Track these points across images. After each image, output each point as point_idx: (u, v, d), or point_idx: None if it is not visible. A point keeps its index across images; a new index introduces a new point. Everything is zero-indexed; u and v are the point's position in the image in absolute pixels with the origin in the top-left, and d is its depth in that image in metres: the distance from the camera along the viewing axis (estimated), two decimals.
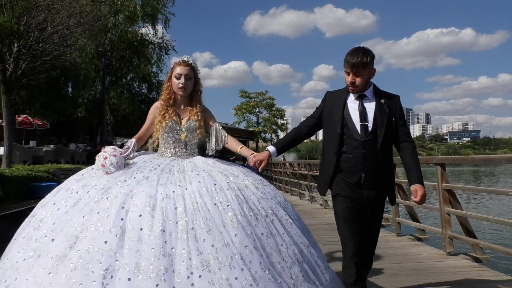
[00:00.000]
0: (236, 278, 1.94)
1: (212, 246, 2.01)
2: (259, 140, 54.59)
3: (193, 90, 2.80)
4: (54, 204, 2.24)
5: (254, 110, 54.77)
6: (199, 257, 1.96)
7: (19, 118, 15.81)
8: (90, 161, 15.55)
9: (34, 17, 8.55)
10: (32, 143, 15.16)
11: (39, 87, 12.51)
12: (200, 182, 2.37)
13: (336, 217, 2.61)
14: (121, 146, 2.65)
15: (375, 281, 3.79)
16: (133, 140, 2.67)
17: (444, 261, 4.73)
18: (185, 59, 2.75)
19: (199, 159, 2.68)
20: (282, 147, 2.81)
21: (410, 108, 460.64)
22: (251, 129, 53.87)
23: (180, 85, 2.70)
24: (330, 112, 2.62)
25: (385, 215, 6.57)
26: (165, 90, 2.80)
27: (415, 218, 6.33)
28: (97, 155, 2.44)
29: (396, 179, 5.37)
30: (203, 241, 2.02)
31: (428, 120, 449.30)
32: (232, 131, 48.80)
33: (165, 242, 1.98)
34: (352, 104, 2.58)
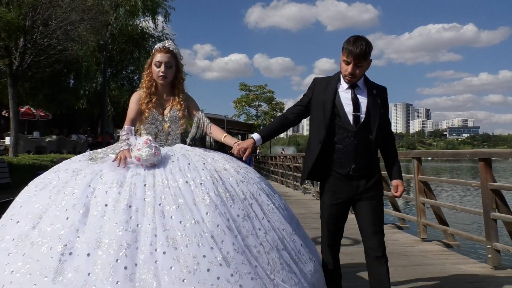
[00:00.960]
0: (204, 256, 1.86)
1: (180, 222, 1.94)
2: None
3: (174, 78, 2.67)
4: (24, 191, 2.22)
5: (254, 103, 55.09)
6: (164, 233, 1.89)
7: (22, 109, 16.17)
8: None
9: (39, 13, 8.97)
10: (36, 134, 15.62)
11: (42, 80, 12.93)
12: (173, 161, 2.31)
13: (321, 210, 2.61)
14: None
15: (351, 261, 4.05)
16: (131, 127, 2.49)
17: (417, 246, 5.11)
18: (166, 45, 2.63)
19: (177, 145, 2.60)
20: (268, 134, 2.72)
21: (410, 104, 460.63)
22: (250, 122, 54.22)
23: (160, 74, 2.57)
24: (320, 100, 2.52)
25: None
26: (145, 77, 2.67)
27: (396, 208, 6.62)
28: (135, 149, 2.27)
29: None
30: (171, 218, 1.95)
31: (428, 116, 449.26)
32: (231, 124, 49.18)
33: (131, 218, 1.93)
34: (344, 93, 2.49)
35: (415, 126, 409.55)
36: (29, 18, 9.08)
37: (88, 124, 25.67)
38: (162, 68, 2.57)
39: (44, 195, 2.09)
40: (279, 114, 56.56)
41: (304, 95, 2.67)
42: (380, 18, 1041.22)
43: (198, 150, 2.50)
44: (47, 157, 9.62)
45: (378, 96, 2.50)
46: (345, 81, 2.48)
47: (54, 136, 16.28)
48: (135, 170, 2.19)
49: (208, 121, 2.77)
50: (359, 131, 2.44)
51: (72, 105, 17.03)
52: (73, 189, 2.06)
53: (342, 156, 2.47)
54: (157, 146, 2.29)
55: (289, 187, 15.02)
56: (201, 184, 2.16)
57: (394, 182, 2.60)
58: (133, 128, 2.47)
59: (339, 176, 2.50)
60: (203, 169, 2.27)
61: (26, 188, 2.24)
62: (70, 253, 1.80)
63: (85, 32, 10.23)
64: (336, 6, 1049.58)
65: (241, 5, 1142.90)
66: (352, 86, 2.47)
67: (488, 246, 4.21)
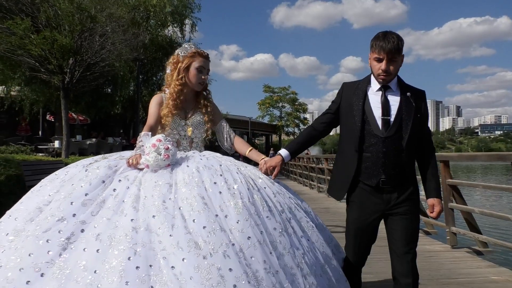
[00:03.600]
0: (230, 270, 1.59)
1: (204, 228, 1.68)
2: (282, 133, 56.15)
3: None
4: (31, 190, 2.03)
5: (277, 105, 56.32)
6: (186, 236, 1.64)
7: None
8: None
9: (87, 37, 10.59)
10: (78, 137, 17.42)
11: (84, 90, 14.67)
12: (201, 159, 2.09)
13: (347, 223, 2.39)
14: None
15: (375, 269, 3.85)
16: (148, 132, 2.21)
17: (446, 254, 4.87)
18: (205, 51, 2.48)
19: (206, 151, 2.38)
20: (297, 149, 2.48)
21: (440, 101, 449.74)
22: (274, 123, 55.40)
23: (202, 81, 2.45)
24: (349, 106, 2.32)
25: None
26: (175, 80, 2.43)
27: (423, 212, 5.96)
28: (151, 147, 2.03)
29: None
30: (193, 221, 1.70)
31: (459, 113, 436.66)
32: (255, 125, 50.51)
33: (153, 217, 1.72)
34: (374, 96, 2.28)
35: (445, 124, 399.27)
36: (77, 41, 10.72)
37: (121, 128, 27.63)
38: (205, 74, 2.46)
39: (48, 189, 1.91)
40: (302, 115, 58.01)
41: (332, 102, 2.48)
42: (409, 14, 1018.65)
43: (229, 158, 2.26)
44: (91, 158, 11.21)
45: (414, 99, 2.25)
46: (379, 81, 2.26)
47: (94, 139, 18.06)
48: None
49: (232, 131, 2.62)
50: (389, 137, 2.21)
51: (109, 111, 18.81)
52: (82, 180, 1.89)
53: (370, 166, 2.24)
54: (169, 146, 2.02)
55: (305, 186, 16.22)
56: (233, 187, 1.90)
57: (430, 201, 2.32)
58: (150, 133, 2.20)
59: (368, 188, 2.27)
60: (237, 172, 2.04)
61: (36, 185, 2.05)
62: (73, 248, 1.63)
63: (123, 50, 11.82)
64: (363, 3, 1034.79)
65: (267, 5, 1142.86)
66: (384, 87, 2.26)
67: None
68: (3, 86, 15.15)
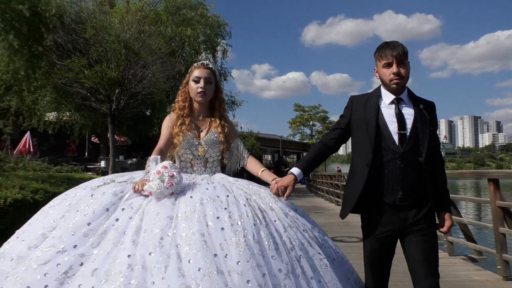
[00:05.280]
0: None
1: (199, 270, 1.59)
2: None
3: (214, 97, 2.44)
4: (41, 209, 2.03)
5: (308, 123, 56.99)
6: (178, 280, 1.56)
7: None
8: None
9: (130, 69, 12.10)
10: (121, 157, 19.03)
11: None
12: (207, 189, 1.99)
13: (364, 245, 2.29)
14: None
15: None
16: (158, 156, 2.17)
17: (499, 286, 4.36)
18: (204, 62, 2.44)
19: (218, 175, 2.31)
20: (308, 166, 2.38)
21: (478, 116, 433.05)
22: (305, 141, 55.99)
23: (199, 89, 2.32)
24: (360, 120, 2.24)
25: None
26: (179, 96, 2.42)
27: (469, 237, 5.65)
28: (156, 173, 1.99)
29: None
30: (189, 262, 1.62)
31: (499, 129, 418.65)
32: (286, 143, 51.36)
33: (146, 253, 1.68)
34: (387, 109, 2.21)
35: (485, 140, 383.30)
36: (123, 73, 12.26)
37: None
38: (202, 83, 2.34)
39: (55, 213, 1.92)
40: None
41: (341, 117, 2.41)
42: (442, 28, 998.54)
43: (241, 183, 2.21)
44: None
45: (427, 111, 2.20)
46: (391, 89, 2.21)
47: (134, 159, 19.65)
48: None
49: (246, 150, 2.53)
50: (406, 153, 2.13)
51: (148, 132, 20.40)
52: (86, 208, 1.87)
53: (387, 182, 2.15)
54: (174, 174, 1.96)
55: (332, 202, 16.66)
56: (238, 223, 1.79)
57: (441, 215, 2.24)
58: (159, 157, 2.15)
59: (384, 205, 2.17)
60: (245, 205, 1.92)
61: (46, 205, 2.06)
62: (70, 282, 1.62)
63: (162, 79, 13.29)
64: (395, 19, 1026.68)
65: (298, 25, 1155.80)
66: (396, 100, 2.20)
67: None
68: (55, 112, 16.99)
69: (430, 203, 2.20)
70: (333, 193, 16.55)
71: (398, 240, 2.25)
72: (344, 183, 14.27)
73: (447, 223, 2.23)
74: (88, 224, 1.81)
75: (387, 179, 2.16)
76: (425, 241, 2.15)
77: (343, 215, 2.33)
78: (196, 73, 2.38)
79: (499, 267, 4.71)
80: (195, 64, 2.45)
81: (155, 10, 18.42)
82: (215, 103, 2.47)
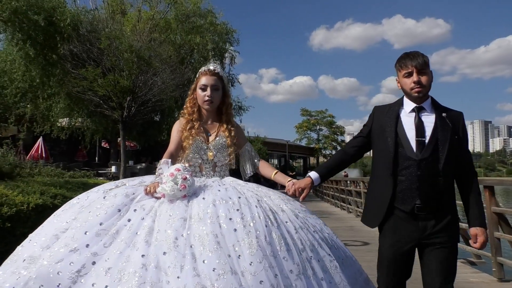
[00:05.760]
0: None
1: (214, 270, 1.62)
2: (320, 156, 56.81)
3: (221, 103, 2.48)
4: (53, 213, 2.07)
5: (315, 128, 57.23)
6: (194, 279, 1.58)
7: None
8: None
9: (142, 77, 12.53)
10: (130, 162, 19.48)
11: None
12: (219, 191, 2.03)
13: (380, 253, 2.26)
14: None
15: None
16: (168, 160, 2.24)
17: (492, 287, 4.56)
18: (211, 67, 2.44)
19: (228, 178, 2.35)
20: (326, 173, 2.43)
21: (489, 121, 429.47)
22: (311, 145, 56.23)
23: (206, 98, 2.37)
24: (381, 128, 2.26)
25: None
26: (188, 103, 2.48)
27: (468, 241, 5.51)
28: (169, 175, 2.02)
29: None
30: (203, 262, 1.65)
31: (510, 133, 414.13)
32: (293, 148, 51.61)
33: (164, 253, 1.69)
34: (407, 117, 2.22)
35: (496, 145, 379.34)
36: (134, 81, 12.69)
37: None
38: (208, 91, 2.39)
39: (67, 215, 1.95)
40: (340, 137, 58.47)
41: (364, 126, 2.44)
42: (452, 33, 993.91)
43: (251, 185, 2.24)
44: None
45: (450, 120, 2.17)
46: (413, 98, 2.21)
47: (143, 164, 20.08)
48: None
49: (257, 154, 2.58)
50: (424, 160, 2.11)
51: (156, 138, 20.82)
52: (98, 209, 1.91)
53: (404, 190, 2.14)
54: (187, 176, 2.00)
55: (337, 207, 16.94)
56: (250, 224, 1.83)
57: (473, 230, 2.17)
58: (170, 160, 2.22)
59: (402, 214, 2.16)
60: (256, 206, 1.95)
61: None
62: (83, 281, 1.65)
63: (171, 87, 13.72)
64: (404, 23, 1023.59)
65: (305, 29, 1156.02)
66: (417, 109, 2.20)
67: None
68: (67, 118, 17.47)
69: (451, 215, 2.17)
70: (339, 198, 16.80)
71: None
72: (349, 188, 14.67)
73: (480, 239, 2.15)
74: (100, 224, 1.84)
75: (404, 187, 2.15)
76: (443, 255, 2.12)
77: (373, 224, 2.30)
78: (203, 80, 2.42)
79: (494, 269, 4.97)
80: (202, 70, 2.48)
81: (165, 18, 18.88)
82: (222, 108, 2.52)
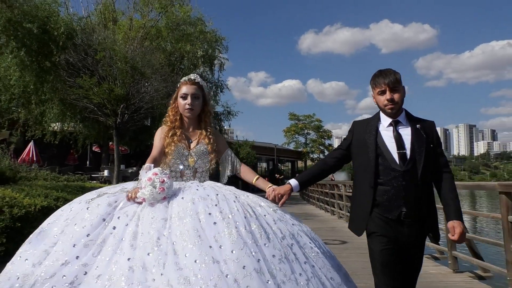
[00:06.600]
0: None
1: (196, 261, 1.68)
2: (307, 160, 57.58)
3: (201, 111, 2.58)
4: (40, 227, 2.08)
5: (303, 132, 58.08)
6: (177, 273, 1.65)
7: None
8: None
9: (135, 86, 13.11)
10: (122, 166, 19.86)
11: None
12: (198, 190, 2.10)
13: (372, 259, 2.32)
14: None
15: None
16: (151, 164, 2.29)
17: None
18: (191, 77, 2.55)
19: (207, 182, 2.41)
20: (306, 180, 2.55)
21: (473, 125, 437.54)
22: (299, 149, 56.97)
23: (187, 106, 2.47)
24: (361, 141, 2.38)
25: (439, 247, 6.20)
26: (170, 111, 2.58)
27: (475, 253, 5.38)
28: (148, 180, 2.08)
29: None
30: (185, 256, 1.71)
31: (494, 137, 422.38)
32: (281, 151, 52.27)
33: (148, 254, 1.76)
34: (385, 131, 2.35)
35: (480, 148, 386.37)
36: (128, 90, 13.26)
37: None
38: (189, 100, 2.47)
39: (54, 230, 1.99)
40: (327, 141, 59.51)
41: (344, 139, 2.57)
42: (439, 38, 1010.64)
43: (229, 187, 2.31)
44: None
45: (424, 131, 2.32)
46: (387, 113, 2.36)
47: (134, 168, 20.49)
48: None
49: (238, 159, 2.66)
50: (407, 170, 2.25)
51: (147, 142, 21.27)
52: (84, 220, 1.96)
53: (390, 199, 2.26)
54: (165, 179, 2.08)
55: (322, 209, 17.45)
56: (229, 217, 1.90)
57: (450, 223, 2.25)
58: (152, 165, 2.26)
59: (389, 221, 2.28)
60: (234, 201, 2.04)
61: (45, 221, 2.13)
62: None
63: (163, 95, 14.27)
64: (391, 28, 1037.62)
65: (294, 33, 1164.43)
66: (394, 123, 2.35)
67: None
68: (59, 123, 17.81)
69: (433, 221, 2.33)
70: (323, 201, 17.44)
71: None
72: (334, 191, 15.12)
73: (457, 231, 2.19)
74: (87, 235, 1.90)
75: (390, 196, 2.26)
76: (419, 263, 2.32)
77: (358, 233, 2.40)
78: (183, 89, 2.53)
79: (449, 262, 5.53)
80: (182, 80, 2.59)
81: (156, 26, 19.37)
82: (203, 116, 2.62)
